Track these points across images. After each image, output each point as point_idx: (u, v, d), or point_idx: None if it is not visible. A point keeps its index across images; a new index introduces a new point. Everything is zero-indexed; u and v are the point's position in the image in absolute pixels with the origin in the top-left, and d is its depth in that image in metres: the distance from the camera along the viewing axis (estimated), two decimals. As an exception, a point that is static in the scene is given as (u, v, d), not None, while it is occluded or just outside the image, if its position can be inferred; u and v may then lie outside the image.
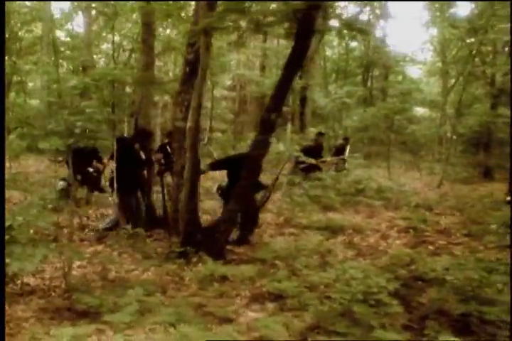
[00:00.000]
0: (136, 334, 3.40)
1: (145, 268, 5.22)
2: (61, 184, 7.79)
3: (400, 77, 20.54)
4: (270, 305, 4.20)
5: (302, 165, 9.80)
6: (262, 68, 17.90)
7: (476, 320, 3.54)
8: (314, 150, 10.19)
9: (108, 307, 3.81)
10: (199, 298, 4.39)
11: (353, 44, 20.13)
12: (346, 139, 12.32)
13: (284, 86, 5.33)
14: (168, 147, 7.93)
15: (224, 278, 4.78)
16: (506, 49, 13.79)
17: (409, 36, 49.83)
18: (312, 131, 12.09)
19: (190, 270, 5.05)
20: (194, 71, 5.62)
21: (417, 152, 16.90)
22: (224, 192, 6.38)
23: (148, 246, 5.94)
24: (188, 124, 5.27)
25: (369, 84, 19.01)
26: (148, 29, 7.56)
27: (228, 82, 21.25)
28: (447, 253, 5.62)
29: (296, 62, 5.32)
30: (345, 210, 8.66)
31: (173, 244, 5.53)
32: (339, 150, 11.84)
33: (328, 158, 11.27)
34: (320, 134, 10.86)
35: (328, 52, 21.32)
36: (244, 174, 5.37)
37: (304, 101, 13.17)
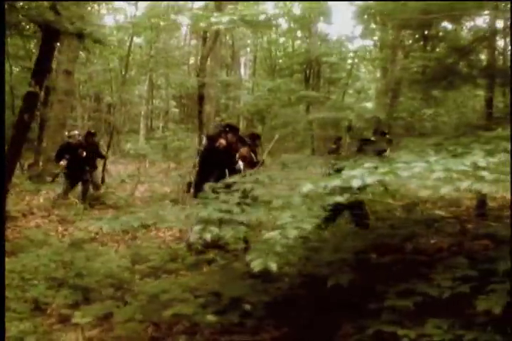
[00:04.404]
0: None
1: None
2: None
3: (343, 74, 20.58)
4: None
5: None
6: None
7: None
8: None
9: None
10: None
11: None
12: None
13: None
14: None
15: None
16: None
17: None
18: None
19: None
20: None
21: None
22: None
23: None
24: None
25: (311, 81, 19.13)
26: None
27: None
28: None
29: (44, 64, 5.56)
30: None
31: None
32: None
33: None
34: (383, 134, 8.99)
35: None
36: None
37: (201, 99, 13.28)
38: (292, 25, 20.00)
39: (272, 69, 20.20)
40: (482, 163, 2.37)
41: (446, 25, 16.00)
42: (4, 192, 5.02)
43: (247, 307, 3.05)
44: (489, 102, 7.35)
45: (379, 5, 13.18)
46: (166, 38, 19.47)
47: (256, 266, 2.48)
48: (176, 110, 21.65)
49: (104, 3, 17.64)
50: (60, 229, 7.13)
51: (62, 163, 8.66)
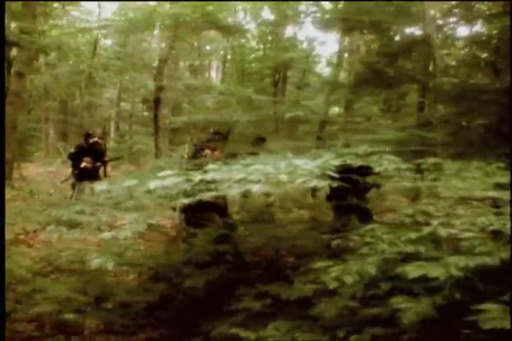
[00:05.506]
0: None
1: None
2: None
3: (315, 78, 20.72)
4: None
5: None
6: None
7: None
8: None
9: None
10: None
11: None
12: None
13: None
14: None
15: None
16: (362, 48, 13.89)
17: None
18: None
19: None
20: None
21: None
22: None
23: None
24: None
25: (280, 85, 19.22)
26: None
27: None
28: None
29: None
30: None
31: None
32: None
33: None
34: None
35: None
36: None
37: (157, 103, 13.25)
38: (263, 28, 20.05)
39: (242, 73, 20.27)
40: (306, 165, 2.40)
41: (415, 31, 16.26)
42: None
43: (108, 306, 3.07)
44: (421, 106, 7.45)
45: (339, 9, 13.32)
46: (135, 40, 19.38)
47: (93, 265, 2.51)
48: (145, 113, 21.55)
49: (71, 5, 17.56)
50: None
51: (86, 164, 8.21)
